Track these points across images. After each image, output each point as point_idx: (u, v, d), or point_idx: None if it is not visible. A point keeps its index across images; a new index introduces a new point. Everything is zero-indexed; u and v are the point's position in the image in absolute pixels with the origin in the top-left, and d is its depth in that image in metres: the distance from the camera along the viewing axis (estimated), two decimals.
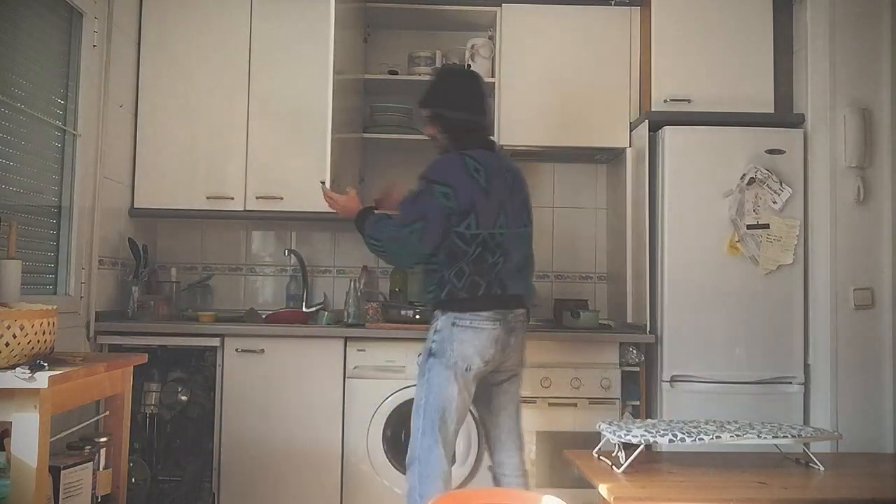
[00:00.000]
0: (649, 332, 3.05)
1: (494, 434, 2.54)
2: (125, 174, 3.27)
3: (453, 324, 2.38)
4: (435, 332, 2.42)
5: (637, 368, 3.08)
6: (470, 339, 2.36)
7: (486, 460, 2.64)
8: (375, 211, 2.54)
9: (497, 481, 2.55)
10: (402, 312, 3.16)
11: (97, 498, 2.18)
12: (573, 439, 2.93)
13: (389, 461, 2.97)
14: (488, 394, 2.51)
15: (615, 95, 3.35)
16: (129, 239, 3.24)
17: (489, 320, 2.38)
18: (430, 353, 2.40)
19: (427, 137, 2.64)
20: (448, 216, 2.37)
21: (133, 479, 2.82)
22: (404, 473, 2.94)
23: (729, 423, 2.26)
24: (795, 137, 3.06)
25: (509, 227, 2.46)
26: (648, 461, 2.21)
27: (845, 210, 2.98)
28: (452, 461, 2.45)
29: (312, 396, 3.00)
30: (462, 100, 2.54)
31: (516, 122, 3.33)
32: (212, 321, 3.18)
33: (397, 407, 2.98)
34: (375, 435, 2.98)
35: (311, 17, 3.34)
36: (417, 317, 3.12)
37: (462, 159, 2.44)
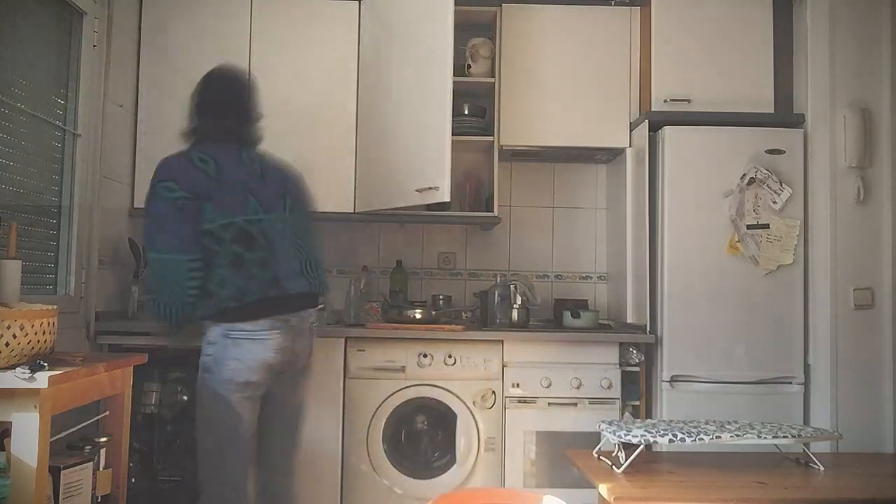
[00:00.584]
0: (649, 332, 3.05)
1: (269, 438, 2.36)
2: (125, 174, 3.27)
3: (226, 336, 2.18)
4: (208, 344, 2.21)
5: (637, 368, 3.08)
6: (248, 350, 2.17)
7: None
8: None
9: (265, 482, 2.38)
10: (402, 312, 3.16)
11: (97, 498, 2.18)
12: (573, 439, 2.93)
13: (389, 461, 2.97)
14: (265, 399, 2.30)
15: (615, 95, 3.35)
16: (129, 239, 3.23)
17: (266, 329, 2.19)
18: (205, 369, 2.20)
19: None
20: (180, 208, 2.14)
21: (133, 479, 2.82)
22: (404, 473, 2.97)
23: (729, 423, 2.26)
24: (795, 137, 3.06)
25: (267, 213, 2.25)
26: (648, 461, 2.21)
27: (845, 210, 2.98)
28: (258, 484, 2.33)
29: (312, 396, 2.98)
30: (208, 105, 2.39)
31: (516, 122, 3.34)
32: None
33: (397, 407, 2.99)
34: (375, 435, 2.98)
35: (311, 17, 3.35)
36: (418, 317, 3.12)
37: (185, 154, 2.27)
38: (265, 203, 2.26)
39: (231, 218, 2.17)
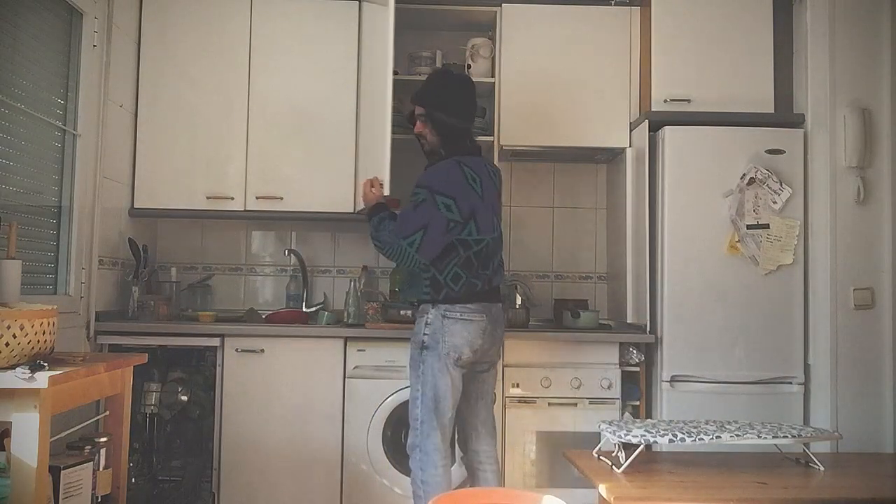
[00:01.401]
0: (649, 332, 3.05)
1: (471, 423, 2.63)
2: (125, 174, 3.27)
3: (444, 316, 2.47)
4: (426, 324, 2.49)
5: (637, 368, 3.08)
6: (460, 330, 2.46)
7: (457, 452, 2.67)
8: (388, 209, 2.60)
9: (472, 470, 2.63)
10: (402, 312, 3.16)
11: (97, 498, 2.18)
12: (573, 439, 2.93)
13: (389, 461, 2.97)
14: (467, 383, 2.58)
15: (615, 95, 3.35)
16: (129, 239, 3.24)
17: (477, 312, 2.49)
18: (423, 346, 2.48)
19: (414, 134, 2.67)
20: (449, 229, 2.45)
21: (133, 479, 2.82)
22: (404, 473, 2.96)
23: (729, 423, 2.26)
24: (795, 137, 3.06)
25: (497, 230, 2.61)
26: (648, 461, 2.21)
27: (845, 210, 2.98)
28: (452, 449, 2.56)
29: (312, 396, 3.00)
30: (458, 104, 2.59)
31: (516, 122, 3.33)
32: (212, 321, 3.18)
33: (397, 407, 2.98)
34: (375, 435, 2.98)
35: (311, 16, 3.35)
36: None
37: (460, 168, 2.50)
38: (498, 221, 2.64)
39: (487, 235, 2.53)
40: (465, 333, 2.46)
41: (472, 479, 2.65)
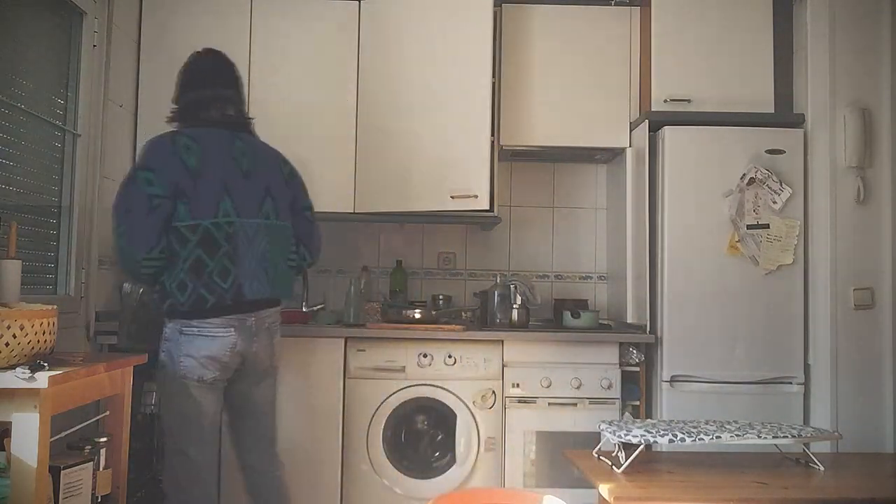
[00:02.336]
0: (649, 332, 3.05)
1: (243, 438, 2.43)
2: (125, 174, 3.26)
3: (180, 332, 2.19)
4: (164, 340, 2.24)
5: (637, 368, 3.08)
6: (200, 346, 2.17)
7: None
8: None
9: (250, 480, 2.43)
10: (402, 312, 3.16)
11: (97, 498, 2.18)
12: (573, 439, 2.93)
13: (389, 461, 2.97)
14: (232, 399, 2.38)
15: (615, 95, 3.35)
16: None
17: (222, 327, 2.19)
18: (161, 365, 2.24)
19: None
20: (157, 206, 2.10)
21: (133, 479, 2.81)
22: (404, 473, 2.97)
23: (729, 423, 2.26)
24: (795, 137, 3.06)
25: (241, 217, 2.20)
26: (648, 461, 2.21)
27: (845, 210, 2.98)
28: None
29: (312, 396, 3.00)
30: (195, 78, 2.33)
31: (516, 122, 3.33)
32: None
33: (397, 407, 2.99)
34: (375, 435, 2.98)
35: (311, 16, 3.35)
36: (418, 317, 3.12)
37: (171, 137, 2.19)
38: (241, 206, 2.21)
39: (201, 220, 2.14)
40: (207, 350, 2.18)
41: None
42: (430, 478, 2.99)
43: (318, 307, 3.48)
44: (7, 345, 1.77)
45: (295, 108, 3.32)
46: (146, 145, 2.22)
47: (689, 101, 3.20)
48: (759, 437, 2.09)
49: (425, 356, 3.00)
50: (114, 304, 3.19)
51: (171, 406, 2.27)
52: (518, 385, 3.02)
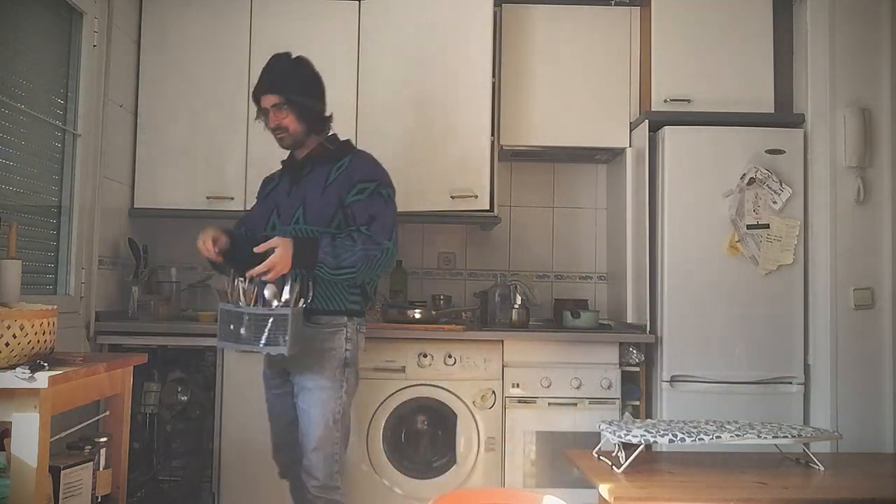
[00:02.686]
0: (649, 332, 3.05)
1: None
2: (125, 174, 3.27)
3: (358, 330, 2.39)
4: (346, 339, 2.33)
5: (637, 368, 3.08)
6: (361, 345, 2.42)
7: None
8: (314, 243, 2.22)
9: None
10: (403, 312, 3.16)
11: (97, 498, 2.18)
12: (573, 439, 2.93)
13: (389, 461, 2.97)
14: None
15: (615, 95, 3.35)
16: (129, 239, 3.24)
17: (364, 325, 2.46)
18: (346, 363, 2.32)
19: (271, 128, 2.38)
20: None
21: (133, 479, 2.81)
22: (404, 473, 2.97)
23: (729, 423, 2.26)
24: (795, 137, 3.06)
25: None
26: (648, 461, 2.21)
27: (845, 210, 2.98)
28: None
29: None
30: (319, 87, 2.42)
31: (516, 122, 3.33)
32: (212, 321, 3.17)
33: (397, 407, 2.98)
34: (375, 435, 2.98)
35: (311, 17, 3.35)
36: (418, 317, 3.12)
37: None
38: None
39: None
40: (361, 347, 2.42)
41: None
42: (430, 478, 2.99)
43: None
44: (7, 345, 1.77)
45: None
46: (375, 160, 2.42)
47: (689, 101, 3.20)
48: (759, 437, 2.09)
49: (425, 356, 3.00)
50: (114, 304, 3.20)
51: (353, 396, 2.38)
52: (518, 385, 3.02)
